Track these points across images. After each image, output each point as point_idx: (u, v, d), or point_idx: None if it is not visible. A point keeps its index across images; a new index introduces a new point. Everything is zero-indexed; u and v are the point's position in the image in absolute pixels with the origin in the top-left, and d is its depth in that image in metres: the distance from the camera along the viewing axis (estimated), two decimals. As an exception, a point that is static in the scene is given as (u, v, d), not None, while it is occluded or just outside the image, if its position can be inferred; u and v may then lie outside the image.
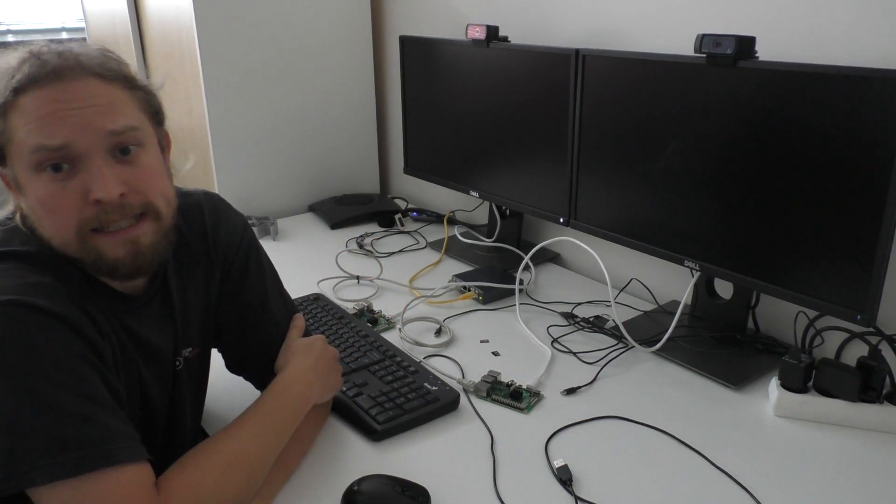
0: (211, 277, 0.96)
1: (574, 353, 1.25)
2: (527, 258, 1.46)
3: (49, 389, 0.69)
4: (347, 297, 1.47)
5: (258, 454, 0.84)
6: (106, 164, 0.76)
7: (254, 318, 0.99)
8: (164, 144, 0.86)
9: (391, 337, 1.27)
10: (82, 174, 0.75)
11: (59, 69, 0.75)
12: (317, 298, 1.39)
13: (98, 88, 0.76)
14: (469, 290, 1.46)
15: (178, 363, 0.92)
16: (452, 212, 1.93)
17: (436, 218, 1.96)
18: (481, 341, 1.30)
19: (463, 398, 1.11)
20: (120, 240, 0.78)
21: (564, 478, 0.92)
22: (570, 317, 1.38)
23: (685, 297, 1.26)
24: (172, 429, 0.93)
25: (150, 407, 0.88)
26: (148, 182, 0.80)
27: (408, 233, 1.88)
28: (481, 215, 1.86)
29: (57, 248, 0.78)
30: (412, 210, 2.00)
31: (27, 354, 0.70)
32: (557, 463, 0.95)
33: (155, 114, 0.84)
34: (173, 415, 0.93)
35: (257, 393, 0.96)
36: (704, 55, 1.12)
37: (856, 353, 1.08)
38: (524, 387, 1.12)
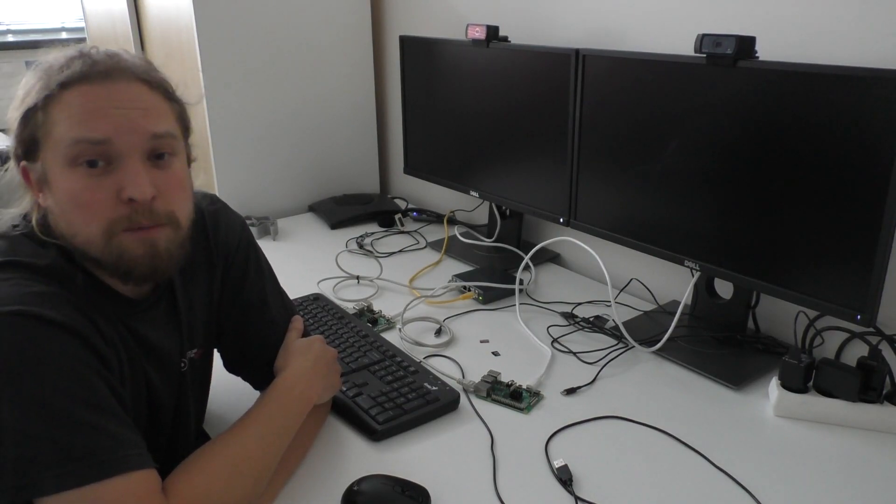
0: (213, 278, 0.97)
1: (574, 353, 1.25)
2: (527, 258, 1.46)
3: (56, 399, 0.69)
4: (347, 297, 1.47)
5: (262, 456, 0.84)
6: (142, 165, 0.78)
7: (254, 317, 1.00)
8: (190, 159, 0.88)
9: (391, 337, 1.27)
10: (117, 173, 0.76)
11: (109, 69, 0.77)
12: (317, 298, 1.39)
13: (143, 93, 0.79)
14: (469, 290, 1.46)
15: (183, 365, 0.92)
16: (452, 212, 1.93)
17: (436, 218, 1.96)
18: (481, 341, 1.30)
19: (463, 398, 1.11)
20: (140, 238, 0.79)
21: (564, 478, 0.92)
22: (570, 317, 1.38)
23: (685, 297, 1.26)
24: (177, 431, 0.93)
25: (157, 410, 0.88)
26: (176, 191, 0.82)
27: (408, 233, 1.88)
28: (481, 215, 1.86)
29: (78, 246, 0.78)
30: (412, 210, 2.00)
31: (33, 364, 0.69)
32: (557, 463, 0.95)
33: (186, 128, 0.86)
34: (178, 417, 0.93)
35: (257, 393, 0.96)
36: (704, 55, 1.12)
37: (856, 353, 1.08)
38: (524, 387, 1.12)
